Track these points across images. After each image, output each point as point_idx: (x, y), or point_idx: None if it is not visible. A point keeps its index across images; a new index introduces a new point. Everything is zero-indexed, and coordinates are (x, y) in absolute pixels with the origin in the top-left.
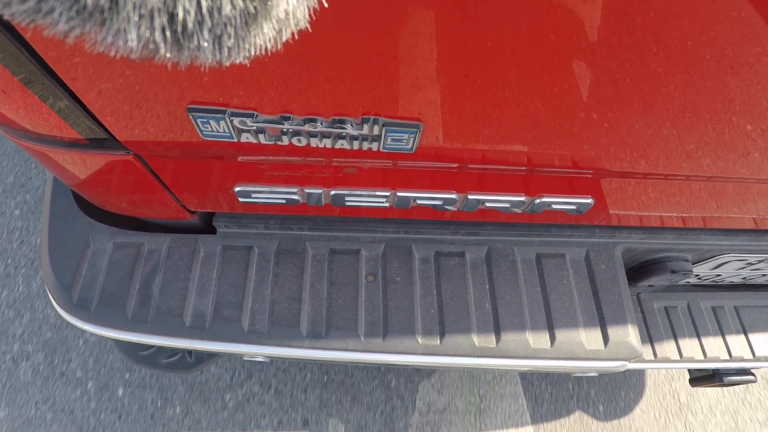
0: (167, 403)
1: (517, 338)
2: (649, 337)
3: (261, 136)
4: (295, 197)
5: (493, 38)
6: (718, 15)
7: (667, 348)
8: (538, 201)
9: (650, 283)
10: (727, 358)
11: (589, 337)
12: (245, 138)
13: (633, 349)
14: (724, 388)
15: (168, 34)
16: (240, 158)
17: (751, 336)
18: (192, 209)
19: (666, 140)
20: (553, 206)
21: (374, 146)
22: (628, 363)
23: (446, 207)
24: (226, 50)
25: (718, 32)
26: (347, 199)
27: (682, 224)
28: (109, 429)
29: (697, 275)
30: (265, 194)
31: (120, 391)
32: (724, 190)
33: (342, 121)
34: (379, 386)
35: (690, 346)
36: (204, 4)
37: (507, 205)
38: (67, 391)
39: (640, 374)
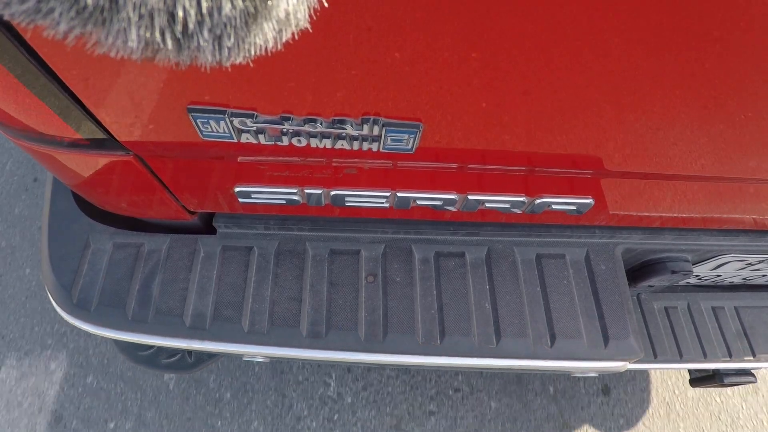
0: None
1: (517, 338)
2: (649, 337)
3: (261, 137)
4: (295, 198)
5: (492, 37)
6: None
7: (667, 348)
8: (538, 201)
9: (650, 283)
10: (728, 358)
11: (589, 338)
12: (245, 138)
13: (633, 350)
14: None
15: (168, 34)
16: (240, 158)
17: (751, 336)
18: (192, 209)
19: (666, 140)
20: (553, 206)
21: (374, 146)
22: (628, 363)
23: (446, 207)
24: (226, 50)
25: (717, 31)
26: (347, 199)
27: (682, 224)
28: None
29: (697, 276)
30: (265, 195)
31: None
32: (724, 190)
33: (342, 122)
34: None
35: (690, 346)
36: (204, 4)
37: (507, 205)
38: None
39: None
